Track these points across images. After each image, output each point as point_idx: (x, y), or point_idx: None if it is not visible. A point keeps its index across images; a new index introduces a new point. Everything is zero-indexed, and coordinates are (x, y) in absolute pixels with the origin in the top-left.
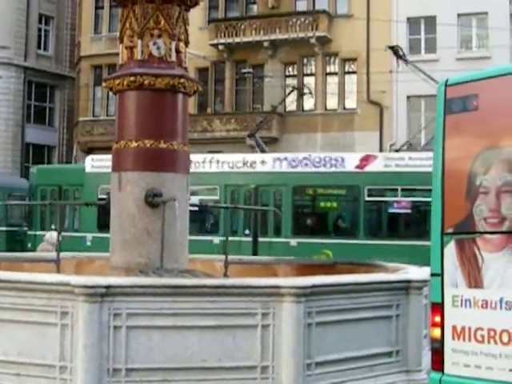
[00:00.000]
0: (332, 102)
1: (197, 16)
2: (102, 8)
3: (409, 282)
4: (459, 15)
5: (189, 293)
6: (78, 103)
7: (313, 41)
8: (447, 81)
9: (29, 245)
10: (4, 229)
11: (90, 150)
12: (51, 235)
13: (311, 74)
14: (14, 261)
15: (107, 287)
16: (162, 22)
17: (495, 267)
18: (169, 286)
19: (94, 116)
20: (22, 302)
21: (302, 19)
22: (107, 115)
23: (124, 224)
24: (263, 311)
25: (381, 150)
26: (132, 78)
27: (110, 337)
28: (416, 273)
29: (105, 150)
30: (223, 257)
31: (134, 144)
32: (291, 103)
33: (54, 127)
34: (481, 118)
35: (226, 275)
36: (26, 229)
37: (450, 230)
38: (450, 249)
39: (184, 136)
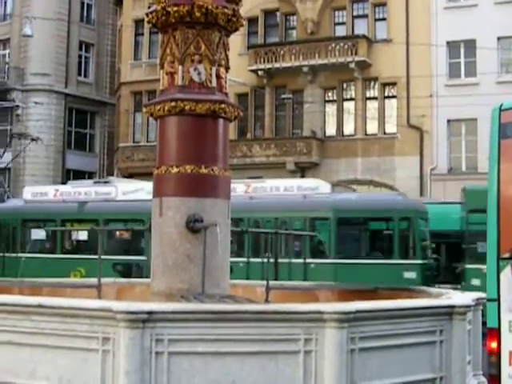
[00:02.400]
0: (372, 127)
1: (236, 42)
2: (142, 35)
3: (452, 307)
4: (499, 38)
5: (231, 318)
6: (118, 129)
7: (352, 65)
8: (502, 105)
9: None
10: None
11: (130, 176)
12: None
13: (351, 99)
14: (56, 286)
15: (149, 313)
16: (203, 47)
17: None
18: (211, 312)
19: (134, 142)
20: (64, 327)
21: (342, 44)
22: (147, 141)
23: (165, 249)
24: (306, 337)
25: (421, 174)
26: (173, 104)
27: (152, 363)
28: (459, 298)
29: (145, 175)
30: (264, 282)
31: (175, 169)
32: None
33: (94, 153)
34: None
35: (267, 301)
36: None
37: (507, 255)
38: (507, 274)
39: (225, 161)
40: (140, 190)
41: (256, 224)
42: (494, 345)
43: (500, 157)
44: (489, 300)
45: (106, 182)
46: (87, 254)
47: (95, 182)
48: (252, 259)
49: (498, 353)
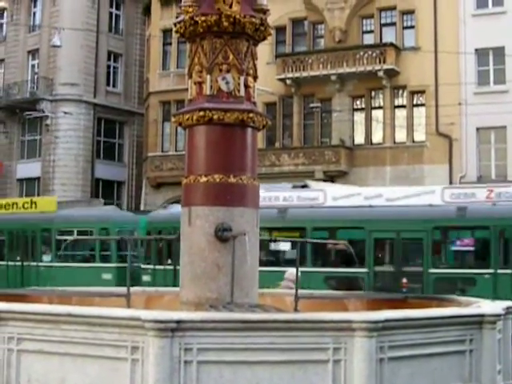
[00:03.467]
0: (401, 135)
1: (264, 51)
2: (170, 44)
3: (482, 316)
4: None
5: (260, 327)
6: (146, 139)
7: (380, 74)
8: None
9: None
10: None
11: (159, 186)
12: (291, 272)
13: (379, 107)
14: (85, 295)
15: (178, 322)
16: (231, 56)
17: None
18: (239, 321)
19: (162, 151)
20: (94, 336)
21: (370, 52)
22: (176, 150)
23: (194, 258)
24: (335, 346)
25: (451, 182)
26: (201, 113)
27: (181, 372)
28: (489, 307)
29: (174, 185)
30: (293, 291)
31: (204, 179)
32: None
33: (123, 163)
34: None
35: (296, 310)
36: None
37: None
38: None
39: (253, 170)
40: (355, 195)
41: (503, 233)
42: None
43: None
44: None
45: (304, 186)
46: (290, 266)
47: (294, 187)
48: (501, 270)
49: None
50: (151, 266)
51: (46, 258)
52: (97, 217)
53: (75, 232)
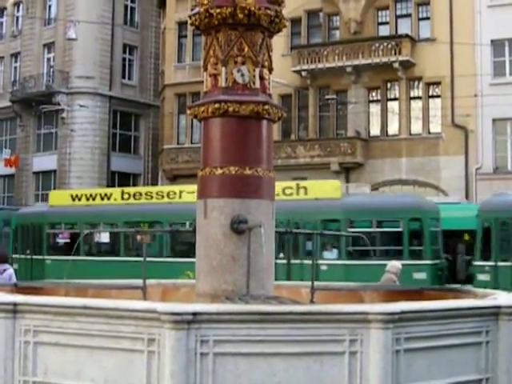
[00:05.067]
0: (416, 127)
1: (279, 43)
2: (185, 37)
3: (498, 307)
4: None
5: (276, 319)
6: (162, 131)
7: (396, 65)
8: None
9: None
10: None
11: (174, 178)
12: (393, 264)
13: (395, 99)
14: (101, 288)
15: (194, 314)
16: (246, 48)
17: None
18: (255, 313)
19: (178, 144)
20: (110, 328)
21: (385, 44)
22: (191, 143)
23: (210, 251)
24: (351, 338)
25: (466, 174)
26: (216, 105)
27: (197, 364)
28: (505, 298)
29: (190, 177)
30: (309, 283)
31: (219, 171)
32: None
33: (138, 155)
34: None
35: (312, 302)
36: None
37: None
38: None
39: (269, 162)
40: None
41: None
42: None
43: None
44: None
45: None
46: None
47: None
48: None
49: None
50: (490, 263)
51: (330, 254)
52: (404, 205)
53: (374, 222)
